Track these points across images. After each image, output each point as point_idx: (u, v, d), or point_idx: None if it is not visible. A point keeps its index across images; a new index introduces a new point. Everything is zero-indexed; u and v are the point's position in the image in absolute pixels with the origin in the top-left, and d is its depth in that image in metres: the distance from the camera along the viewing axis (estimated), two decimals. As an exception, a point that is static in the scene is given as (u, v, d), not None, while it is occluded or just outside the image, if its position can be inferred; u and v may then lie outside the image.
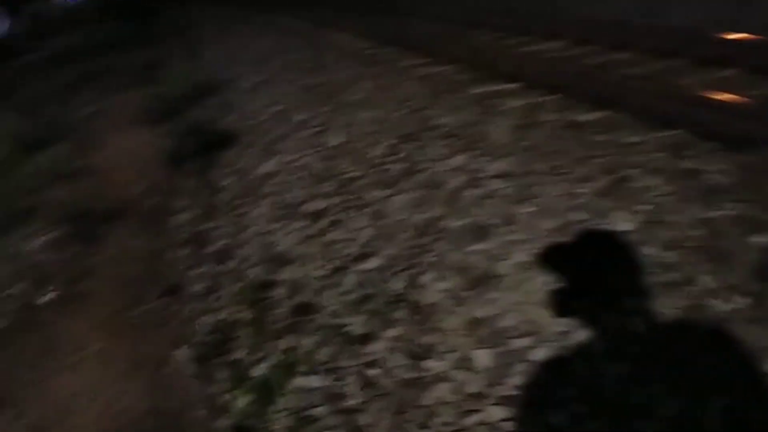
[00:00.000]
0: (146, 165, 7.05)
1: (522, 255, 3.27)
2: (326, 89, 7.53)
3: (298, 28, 14.37)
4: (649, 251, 3.03)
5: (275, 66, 9.93)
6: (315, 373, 3.10)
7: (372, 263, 3.73)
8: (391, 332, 3.12)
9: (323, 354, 3.18)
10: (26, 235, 5.39)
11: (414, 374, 2.83)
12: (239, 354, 3.49)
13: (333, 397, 2.92)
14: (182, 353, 3.71)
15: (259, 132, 6.93)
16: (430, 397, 2.70)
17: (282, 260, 4.18)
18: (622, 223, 3.31)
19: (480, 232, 3.59)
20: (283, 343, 3.39)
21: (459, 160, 4.57)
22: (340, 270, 3.79)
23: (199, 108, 8.83)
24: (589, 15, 8.33)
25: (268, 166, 5.85)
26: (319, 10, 16.69)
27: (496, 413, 2.52)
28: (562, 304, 2.90)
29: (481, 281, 3.19)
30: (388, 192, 4.46)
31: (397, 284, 3.43)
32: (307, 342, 3.31)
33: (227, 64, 11.47)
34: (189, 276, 4.56)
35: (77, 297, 4.58)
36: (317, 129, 6.23)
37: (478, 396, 2.62)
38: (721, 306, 2.66)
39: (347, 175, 4.94)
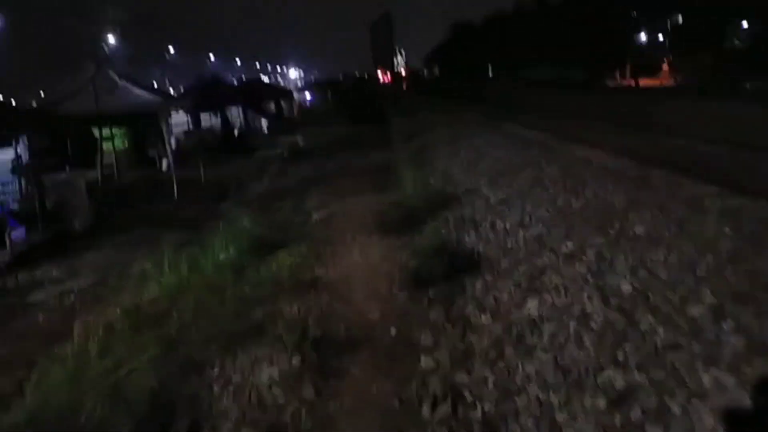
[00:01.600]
0: (384, 284, 6.42)
1: None
2: (593, 215, 6.47)
3: (533, 139, 13.63)
4: None
5: (520, 180, 9.12)
6: None
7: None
8: None
9: None
10: (256, 359, 4.89)
11: None
12: None
13: None
14: None
15: (514, 259, 6.02)
16: None
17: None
18: None
19: None
20: None
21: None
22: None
23: (440, 220, 8.21)
24: None
25: (532, 307, 4.85)
26: (550, 120, 15.93)
27: None
28: None
29: None
30: (730, 380, 3.22)
31: None
32: None
33: (463, 173, 10.94)
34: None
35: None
36: (593, 266, 5.16)
37: None
38: None
39: (656, 341, 3.78)
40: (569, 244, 5.80)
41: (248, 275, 7.30)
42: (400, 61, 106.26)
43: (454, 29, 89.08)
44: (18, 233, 10.42)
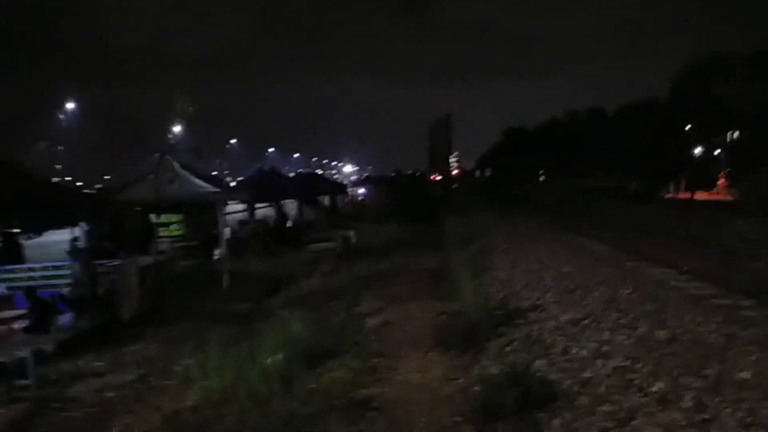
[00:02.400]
0: (446, 412, 5.82)
1: None
2: (683, 350, 5.82)
3: (599, 253, 13.03)
4: None
5: (591, 300, 8.51)
6: None
7: None
8: None
9: None
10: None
11: None
12: None
13: None
14: None
15: (595, 395, 5.37)
16: None
17: None
18: None
19: None
20: None
21: None
22: None
23: (504, 338, 7.61)
24: None
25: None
26: (612, 231, 15.34)
27: None
28: None
29: None
30: None
31: None
32: None
33: (526, 286, 10.37)
34: None
35: None
36: (694, 415, 4.49)
37: None
38: None
39: None
40: (660, 384, 5.15)
41: (297, 387, 6.79)
42: (453, 160, 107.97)
43: (508, 133, 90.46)
44: (66, 319, 10.24)
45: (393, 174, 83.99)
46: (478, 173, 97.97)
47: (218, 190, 19.69)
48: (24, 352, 8.19)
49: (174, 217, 18.99)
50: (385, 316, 10.08)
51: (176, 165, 18.31)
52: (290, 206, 30.10)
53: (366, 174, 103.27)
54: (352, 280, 14.21)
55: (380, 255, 18.28)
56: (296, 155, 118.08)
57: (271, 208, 29.01)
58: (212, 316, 11.79)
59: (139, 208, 16.26)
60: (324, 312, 10.37)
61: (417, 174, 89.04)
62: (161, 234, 18.44)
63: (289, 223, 27.48)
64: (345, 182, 65.23)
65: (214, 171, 63.92)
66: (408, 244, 20.94)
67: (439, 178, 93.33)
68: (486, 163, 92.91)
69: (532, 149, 75.65)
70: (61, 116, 68.63)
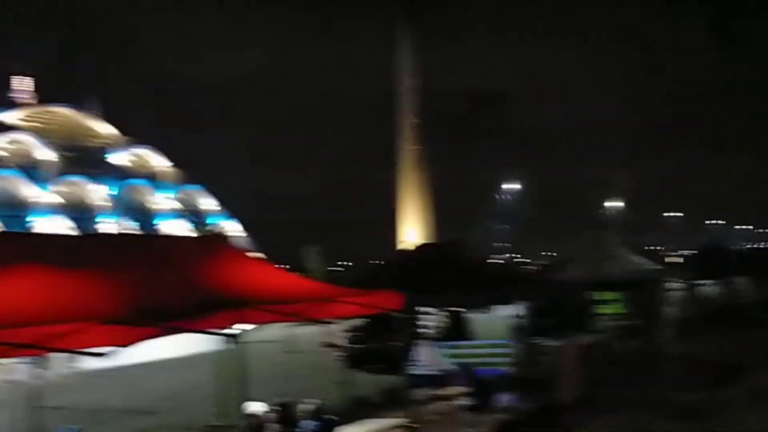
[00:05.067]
0: None
1: None
2: None
3: None
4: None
5: None
6: None
7: None
8: None
9: None
10: None
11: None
12: None
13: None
14: None
15: None
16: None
17: None
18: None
19: None
20: None
21: None
22: None
23: None
24: None
25: None
26: None
27: None
28: None
29: None
30: None
31: None
32: None
33: None
34: None
35: None
36: None
37: None
38: None
39: None
40: None
41: None
42: None
43: None
44: (507, 398, 10.27)
45: None
46: None
47: (659, 267, 18.45)
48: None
49: (612, 295, 18.28)
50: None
51: (614, 240, 17.79)
52: (741, 282, 26.42)
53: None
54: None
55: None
56: (746, 227, 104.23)
57: (717, 285, 26.09)
58: (654, 406, 10.63)
59: (577, 286, 16.08)
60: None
61: None
62: (599, 312, 17.87)
63: (739, 301, 24.04)
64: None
65: (653, 245, 61.06)
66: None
67: None
68: None
69: None
70: (503, 196, 75.10)
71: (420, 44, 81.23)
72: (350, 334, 16.22)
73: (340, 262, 62.96)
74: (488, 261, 30.86)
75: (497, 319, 15.10)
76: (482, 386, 10.01)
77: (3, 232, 24.28)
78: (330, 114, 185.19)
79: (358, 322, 15.24)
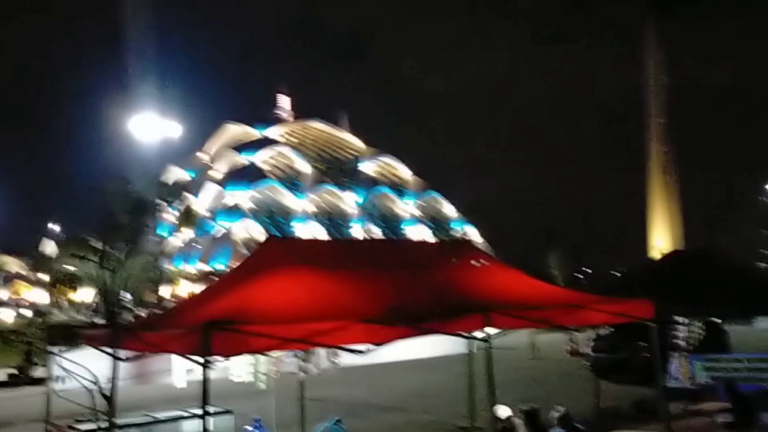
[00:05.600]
0: None
1: None
2: None
3: None
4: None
5: None
6: None
7: None
8: None
9: None
10: None
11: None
12: None
13: None
14: None
15: None
16: None
17: None
18: None
19: None
20: None
21: None
22: None
23: None
24: None
25: None
26: None
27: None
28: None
29: None
30: None
31: None
32: None
33: None
34: None
35: None
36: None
37: None
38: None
39: None
40: None
41: None
42: None
43: None
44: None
45: None
46: None
47: None
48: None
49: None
50: None
51: None
52: None
53: None
54: None
55: None
56: None
57: None
58: None
59: None
60: None
61: None
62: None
63: None
64: None
65: None
66: None
67: None
68: None
69: None
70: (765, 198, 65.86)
71: (667, 38, 75.43)
72: (595, 342, 15.49)
73: (583, 268, 60.13)
74: (750, 268, 27.42)
75: (758, 332, 13.35)
76: (745, 403, 8.88)
77: (275, 236, 27.19)
78: (568, 116, 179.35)
79: (603, 330, 14.47)
